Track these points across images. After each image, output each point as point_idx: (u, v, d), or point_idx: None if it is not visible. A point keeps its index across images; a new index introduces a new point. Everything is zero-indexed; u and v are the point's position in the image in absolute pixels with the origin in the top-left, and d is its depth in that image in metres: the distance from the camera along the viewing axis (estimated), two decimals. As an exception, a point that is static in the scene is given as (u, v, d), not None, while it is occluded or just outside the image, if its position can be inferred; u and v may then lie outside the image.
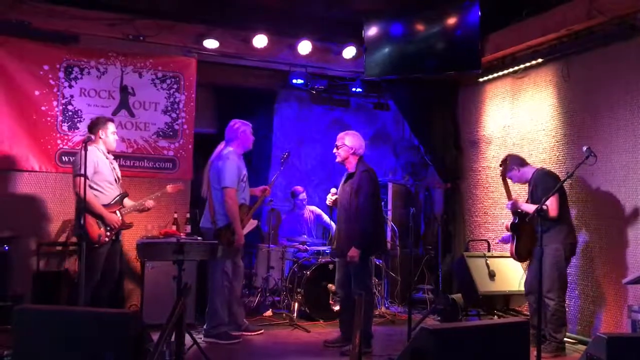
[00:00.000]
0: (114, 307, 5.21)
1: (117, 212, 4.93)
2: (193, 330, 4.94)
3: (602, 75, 5.33)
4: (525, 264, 5.49)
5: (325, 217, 7.26)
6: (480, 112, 6.89)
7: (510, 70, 6.31)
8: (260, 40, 6.29)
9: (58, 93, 5.95)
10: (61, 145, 5.93)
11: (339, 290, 5.12)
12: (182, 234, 5.47)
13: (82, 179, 4.41)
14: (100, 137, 4.96)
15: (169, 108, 6.35)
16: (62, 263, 5.70)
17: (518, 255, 5.14)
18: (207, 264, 5.23)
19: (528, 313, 5.36)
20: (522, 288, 5.29)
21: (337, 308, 5.86)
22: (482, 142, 6.85)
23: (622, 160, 5.09)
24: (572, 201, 5.23)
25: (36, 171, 5.81)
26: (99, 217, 4.79)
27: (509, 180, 5.25)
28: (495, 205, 6.59)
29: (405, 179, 8.01)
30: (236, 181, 5.13)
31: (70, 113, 5.98)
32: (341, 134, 5.10)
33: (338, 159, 5.06)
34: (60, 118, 5.94)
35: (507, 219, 5.86)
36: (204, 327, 5.20)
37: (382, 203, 7.26)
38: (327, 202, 5.18)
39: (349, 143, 4.99)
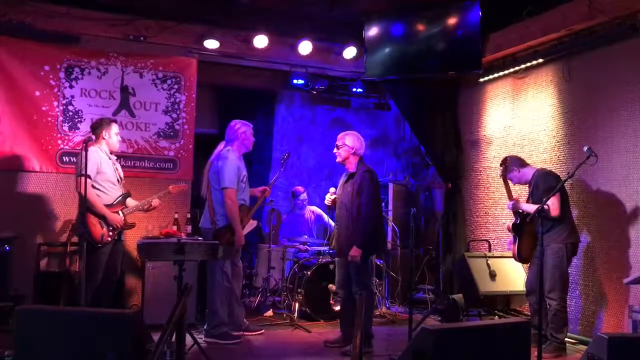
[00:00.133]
0: (115, 307, 5.21)
1: (120, 212, 4.95)
2: (194, 330, 4.94)
3: (602, 75, 5.32)
4: (526, 264, 5.49)
5: (326, 217, 7.26)
6: (480, 112, 6.89)
7: (511, 70, 6.31)
8: (260, 41, 6.30)
9: (59, 93, 5.95)
10: (62, 146, 5.93)
11: (340, 290, 5.13)
12: (182, 234, 5.47)
13: (85, 179, 4.43)
14: (103, 138, 4.99)
15: (170, 108, 6.36)
16: (63, 263, 5.70)
17: (520, 257, 5.12)
18: (207, 264, 5.24)
19: (529, 313, 5.36)
20: (524, 288, 5.29)
21: (337, 308, 5.87)
22: (483, 142, 6.84)
23: (623, 160, 5.09)
24: (572, 201, 5.22)
25: (37, 171, 5.82)
26: (102, 217, 4.81)
27: (509, 181, 5.25)
28: (496, 206, 6.58)
29: (406, 179, 8.01)
30: (236, 182, 5.14)
31: (70, 113, 5.99)
32: (341, 134, 5.11)
33: (338, 159, 5.06)
34: (60, 118, 5.94)
35: (508, 219, 5.85)
36: (205, 327, 5.21)
37: (383, 203, 7.28)
38: (326, 202, 5.19)
39: (349, 143, 4.99)
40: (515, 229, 5.09)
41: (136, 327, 2.88)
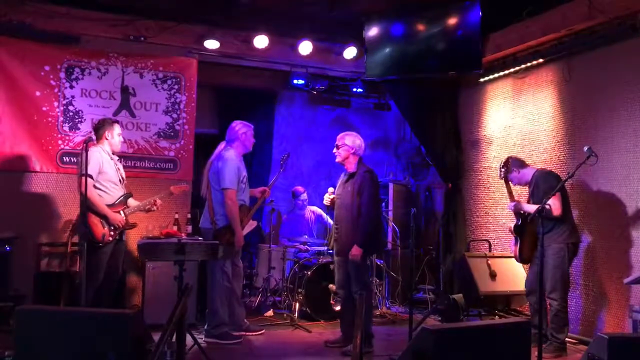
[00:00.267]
0: (116, 307, 5.22)
1: (121, 212, 4.95)
2: (194, 330, 4.94)
3: (603, 75, 5.32)
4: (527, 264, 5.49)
5: (326, 217, 7.26)
6: (481, 112, 6.89)
7: (511, 70, 6.31)
8: (261, 41, 6.30)
9: (59, 94, 5.95)
10: (62, 146, 5.93)
11: (340, 290, 5.13)
12: (183, 234, 5.47)
13: (86, 178, 4.43)
14: (106, 138, 5.01)
15: (170, 108, 6.36)
16: (63, 263, 5.70)
17: (521, 258, 5.11)
18: (207, 264, 5.24)
19: (529, 313, 5.35)
20: (524, 288, 5.29)
21: (338, 308, 5.87)
22: (483, 142, 6.84)
23: (623, 160, 5.09)
24: (573, 201, 5.22)
25: (37, 172, 5.82)
26: (103, 217, 4.82)
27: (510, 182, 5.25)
28: (496, 206, 6.58)
29: (406, 179, 8.02)
30: (236, 182, 5.14)
31: (71, 113, 5.99)
32: (341, 134, 5.13)
33: (338, 159, 5.08)
34: (61, 118, 5.95)
35: (508, 219, 5.86)
36: (205, 327, 5.21)
37: (383, 203, 7.29)
38: (325, 202, 5.21)
39: (349, 143, 5.01)
40: (517, 230, 5.08)
41: (136, 327, 2.88)
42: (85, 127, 5.99)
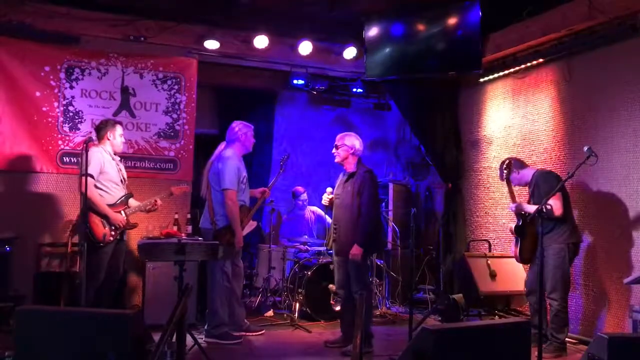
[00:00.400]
0: (117, 307, 5.22)
1: (122, 211, 4.96)
2: (194, 330, 4.94)
3: (602, 75, 5.32)
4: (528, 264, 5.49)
5: (327, 217, 7.26)
6: (481, 113, 6.89)
7: (511, 70, 6.31)
8: (261, 41, 6.30)
9: (59, 94, 5.95)
10: (62, 146, 5.94)
11: (340, 291, 5.13)
12: (183, 235, 5.48)
13: (86, 178, 4.43)
14: (108, 139, 5.03)
15: (170, 109, 6.36)
16: (63, 263, 5.70)
17: (522, 258, 5.10)
18: (207, 264, 5.24)
19: (529, 313, 5.35)
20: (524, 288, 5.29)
21: (338, 308, 5.87)
22: (483, 142, 6.84)
23: (623, 159, 5.09)
24: (573, 201, 5.22)
25: (37, 172, 5.82)
26: (104, 217, 4.83)
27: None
28: (496, 206, 6.58)
29: (406, 179, 8.02)
30: (236, 183, 5.14)
31: (71, 114, 5.99)
32: (340, 135, 5.14)
33: (337, 159, 5.09)
34: (61, 119, 5.95)
35: (508, 219, 5.87)
36: (205, 327, 5.21)
37: (383, 203, 7.29)
38: (323, 202, 5.22)
39: (348, 143, 5.02)
40: (518, 231, 5.08)
41: (136, 327, 2.88)
42: (85, 128, 6.00)
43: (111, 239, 4.86)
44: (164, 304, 4.84)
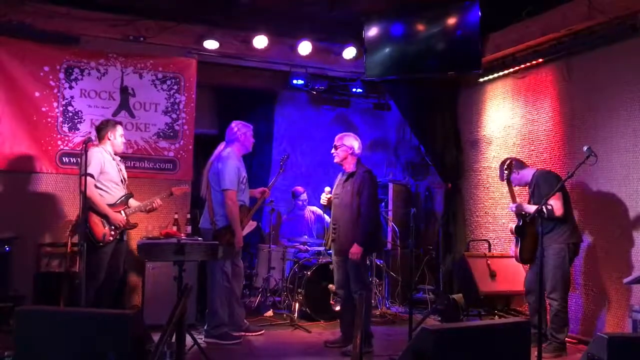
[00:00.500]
0: (117, 306, 5.22)
1: (122, 211, 4.96)
2: (194, 330, 4.94)
3: (602, 75, 5.32)
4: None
5: (326, 217, 7.26)
6: (480, 112, 6.89)
7: (511, 70, 6.31)
8: (260, 41, 6.30)
9: (58, 94, 5.95)
10: (62, 146, 5.93)
11: (340, 291, 5.13)
12: (182, 235, 5.47)
13: (85, 178, 4.43)
14: (108, 139, 5.03)
15: (169, 109, 6.36)
16: (63, 263, 5.70)
17: (522, 258, 5.09)
18: (207, 265, 5.24)
19: (529, 313, 5.35)
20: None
21: (337, 308, 5.87)
22: (483, 142, 6.85)
23: (623, 159, 5.09)
24: (573, 201, 5.22)
25: (37, 172, 5.82)
26: (104, 216, 4.83)
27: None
28: (496, 205, 6.59)
29: (406, 179, 8.02)
30: (236, 183, 5.14)
31: (70, 114, 5.99)
32: (339, 135, 5.16)
33: (336, 160, 5.10)
34: (60, 119, 5.95)
35: (508, 219, 5.86)
36: (205, 327, 5.21)
37: (382, 203, 7.29)
38: (322, 202, 5.22)
39: (347, 143, 5.03)
40: (518, 231, 5.08)
41: (136, 327, 2.88)
42: (85, 128, 5.99)
43: (111, 238, 4.86)
44: (164, 304, 4.83)
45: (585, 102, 5.50)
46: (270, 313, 6.28)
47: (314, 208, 7.44)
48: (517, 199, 5.20)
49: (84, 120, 6.01)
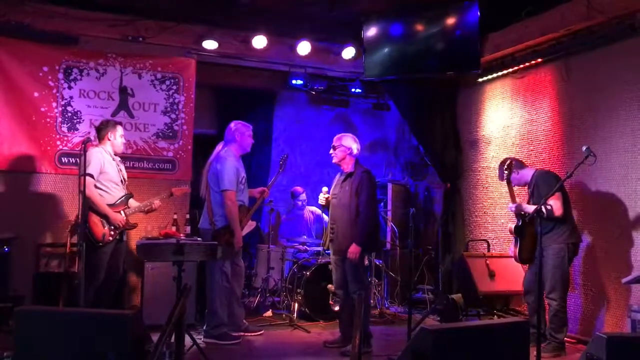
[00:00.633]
0: (116, 306, 5.22)
1: (122, 212, 4.96)
2: (193, 330, 4.95)
3: (601, 75, 5.33)
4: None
5: (325, 218, 7.26)
6: (479, 112, 6.90)
7: (510, 70, 6.31)
8: (259, 41, 6.30)
9: (57, 94, 5.95)
10: (61, 147, 5.93)
11: (339, 291, 5.13)
12: (181, 235, 5.48)
13: (84, 178, 4.43)
14: (108, 139, 5.03)
15: (169, 109, 6.35)
16: (62, 264, 5.70)
17: (521, 258, 5.09)
18: (206, 265, 5.24)
19: (528, 313, 5.36)
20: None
21: (336, 308, 5.87)
22: (482, 142, 6.85)
23: (622, 159, 5.09)
24: (572, 201, 5.22)
25: (36, 172, 5.82)
26: (104, 216, 4.83)
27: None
28: (495, 205, 6.59)
29: (405, 179, 8.02)
30: (235, 183, 5.14)
31: (69, 114, 5.99)
32: (337, 136, 5.17)
33: (335, 160, 5.11)
34: (59, 119, 5.94)
35: (507, 218, 5.86)
36: (204, 327, 5.20)
37: (381, 203, 7.29)
38: (320, 202, 5.23)
39: (346, 144, 5.05)
40: (517, 231, 5.08)
41: (136, 327, 2.88)
42: (84, 128, 5.99)
43: (110, 238, 4.86)
44: (163, 305, 4.84)
45: (584, 102, 5.50)
46: (269, 313, 6.28)
47: (313, 208, 7.44)
48: (517, 199, 5.21)
49: (83, 120, 6.01)
